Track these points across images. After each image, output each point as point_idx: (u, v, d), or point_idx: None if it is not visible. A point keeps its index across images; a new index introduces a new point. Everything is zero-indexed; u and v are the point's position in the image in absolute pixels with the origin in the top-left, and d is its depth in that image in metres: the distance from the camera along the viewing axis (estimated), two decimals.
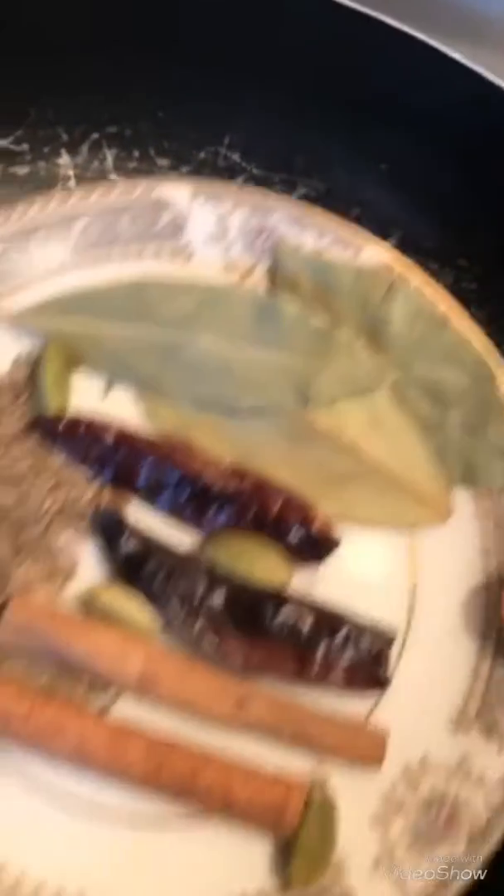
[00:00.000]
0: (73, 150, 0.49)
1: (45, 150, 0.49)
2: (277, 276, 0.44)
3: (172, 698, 0.39)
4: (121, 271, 0.44)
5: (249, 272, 0.45)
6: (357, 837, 0.38)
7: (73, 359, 0.43)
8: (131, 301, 0.43)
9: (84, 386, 0.43)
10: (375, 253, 0.44)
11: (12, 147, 0.49)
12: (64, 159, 0.49)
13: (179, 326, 0.43)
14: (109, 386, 0.44)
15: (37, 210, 0.44)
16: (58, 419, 0.42)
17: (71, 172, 0.49)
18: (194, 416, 0.43)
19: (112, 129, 0.49)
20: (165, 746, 0.38)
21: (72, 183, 0.48)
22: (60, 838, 0.37)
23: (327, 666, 0.39)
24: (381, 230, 0.46)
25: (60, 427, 0.42)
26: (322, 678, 0.39)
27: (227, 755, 0.38)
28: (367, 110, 0.47)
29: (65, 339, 0.43)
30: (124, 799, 0.38)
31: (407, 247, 0.45)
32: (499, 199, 0.46)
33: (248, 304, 0.43)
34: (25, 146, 0.49)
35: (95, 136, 0.49)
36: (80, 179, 0.49)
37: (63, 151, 0.49)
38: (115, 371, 0.43)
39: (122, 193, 0.45)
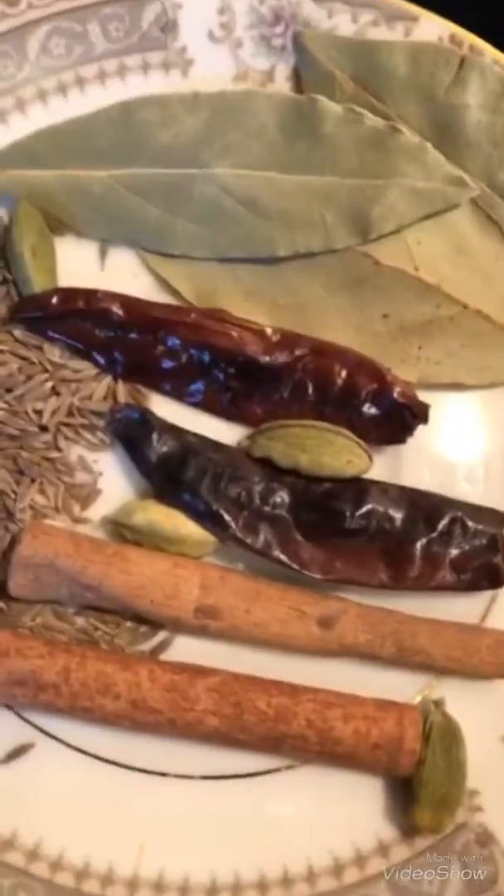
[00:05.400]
0: None
1: None
2: (307, 76, 0.36)
3: (240, 629, 0.34)
4: (99, 97, 0.36)
5: (268, 77, 0.37)
6: (490, 763, 0.33)
7: (54, 221, 0.36)
8: (119, 131, 0.36)
9: (71, 256, 0.37)
10: (433, 27, 0.35)
11: None
12: None
13: (186, 156, 0.35)
14: (105, 250, 0.36)
15: None
16: (48, 295, 0.35)
17: None
18: (220, 274, 0.36)
19: None
20: (241, 684, 0.32)
21: None
22: (125, 817, 0.33)
23: (430, 564, 0.34)
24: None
25: (53, 303, 0.35)
26: (425, 580, 0.34)
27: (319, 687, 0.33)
28: None
29: (39, 194, 0.36)
30: (195, 761, 0.33)
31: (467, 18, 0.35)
32: None
33: (275, 111, 0.36)
34: None
35: None
36: None
37: None
38: (110, 229, 0.37)
39: None
